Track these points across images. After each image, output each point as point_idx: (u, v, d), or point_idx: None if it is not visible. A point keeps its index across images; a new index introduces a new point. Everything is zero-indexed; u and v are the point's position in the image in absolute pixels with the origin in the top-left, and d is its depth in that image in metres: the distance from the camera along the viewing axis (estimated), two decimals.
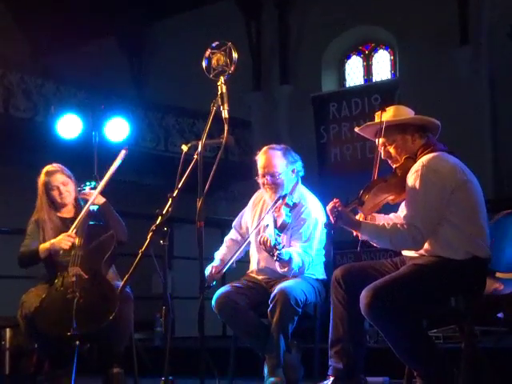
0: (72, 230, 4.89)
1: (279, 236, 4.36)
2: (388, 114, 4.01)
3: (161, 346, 6.31)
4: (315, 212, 4.74)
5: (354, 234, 3.91)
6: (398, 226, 3.81)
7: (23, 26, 15.68)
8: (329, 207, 3.90)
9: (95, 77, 14.59)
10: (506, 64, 12.12)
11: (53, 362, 4.89)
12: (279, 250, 4.34)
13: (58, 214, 5.10)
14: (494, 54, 12.57)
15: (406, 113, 4.03)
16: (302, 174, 4.86)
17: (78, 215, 5.00)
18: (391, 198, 3.98)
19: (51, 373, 4.95)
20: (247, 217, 5.05)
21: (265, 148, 4.86)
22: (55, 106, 8.81)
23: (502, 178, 12.13)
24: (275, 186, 4.76)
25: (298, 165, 4.84)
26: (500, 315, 4.93)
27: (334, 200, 3.88)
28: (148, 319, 7.30)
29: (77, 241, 4.90)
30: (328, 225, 3.92)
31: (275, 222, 4.51)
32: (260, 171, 4.83)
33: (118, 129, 7.23)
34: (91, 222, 5.00)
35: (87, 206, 4.94)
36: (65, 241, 4.87)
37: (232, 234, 5.14)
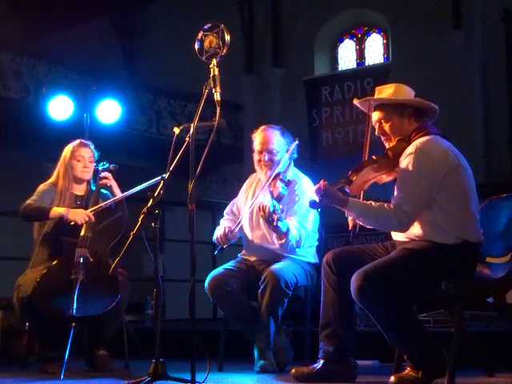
0: (91, 210, 4.87)
1: (276, 205, 4.39)
2: (388, 91, 4.01)
3: (152, 328, 6.31)
4: (309, 189, 4.77)
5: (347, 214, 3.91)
6: (386, 206, 3.82)
7: (15, 7, 15.56)
8: (315, 187, 3.91)
9: (87, 58, 14.51)
10: (499, 49, 12.10)
11: (45, 344, 4.89)
12: (278, 215, 4.36)
13: (72, 188, 5.08)
14: (486, 38, 12.55)
15: (407, 93, 4.03)
16: (295, 156, 4.88)
17: (88, 195, 5.00)
18: (380, 178, 3.98)
19: (42, 354, 4.97)
20: (240, 201, 5.06)
21: (263, 126, 4.92)
22: (46, 87, 8.75)
23: (492, 163, 12.15)
24: (271, 163, 4.79)
25: (294, 146, 4.87)
26: (490, 300, 4.95)
27: (321, 181, 3.89)
28: (139, 301, 7.30)
29: (87, 223, 4.88)
30: (313, 203, 3.93)
31: (271, 193, 4.56)
32: (257, 147, 4.84)
33: (109, 111, 7.21)
34: (106, 205, 4.99)
35: (112, 199, 4.94)
36: (82, 215, 4.84)
37: (225, 219, 5.13)
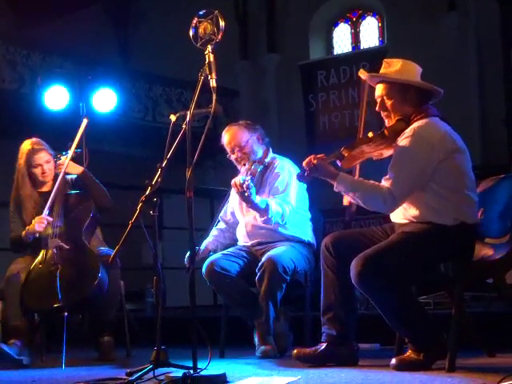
0: (45, 212, 4.86)
1: (248, 178, 4.46)
2: (395, 67, 3.99)
3: (152, 316, 6.32)
4: (288, 166, 4.88)
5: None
6: (375, 184, 3.83)
7: None
8: (305, 161, 3.91)
9: (81, 47, 14.45)
10: (493, 29, 12.07)
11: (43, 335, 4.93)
12: (248, 183, 4.40)
13: (38, 190, 5.08)
14: (481, 19, 12.52)
15: (414, 72, 4.01)
16: (267, 140, 4.98)
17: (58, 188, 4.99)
18: (373, 155, 3.98)
19: (43, 345, 4.98)
20: (231, 202, 5.09)
21: (225, 129, 4.99)
22: (41, 77, 8.72)
23: (488, 144, 12.14)
24: (246, 155, 4.86)
25: (261, 131, 4.96)
26: (489, 281, 4.96)
27: (313, 155, 3.89)
28: (139, 290, 7.32)
29: (54, 213, 4.89)
30: (301, 176, 3.93)
31: (246, 172, 4.64)
32: (228, 148, 4.94)
33: (105, 99, 7.19)
34: (70, 192, 4.99)
35: (59, 179, 4.91)
36: (38, 224, 4.85)
37: (219, 225, 5.19)
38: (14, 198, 5.10)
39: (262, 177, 4.88)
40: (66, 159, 5.00)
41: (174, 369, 3.59)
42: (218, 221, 5.19)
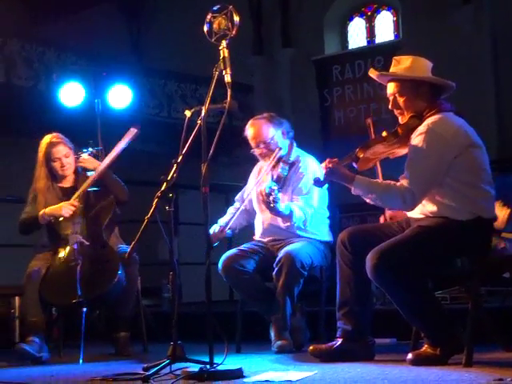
0: (74, 199, 4.89)
1: (274, 187, 4.42)
2: (405, 64, 3.97)
3: (169, 312, 6.33)
4: (312, 167, 4.83)
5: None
6: (392, 184, 3.82)
7: None
8: (322, 165, 3.91)
9: (95, 43, 14.48)
10: (508, 22, 12.02)
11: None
12: (275, 195, 4.38)
13: (59, 185, 5.10)
14: (496, 12, 12.46)
15: (424, 67, 3.99)
16: (292, 134, 4.92)
17: (77, 184, 5.01)
18: (390, 153, 3.97)
19: (60, 340, 5.01)
20: (249, 188, 5.07)
21: (249, 122, 4.96)
22: (57, 74, 8.74)
23: (505, 137, 12.08)
24: (271, 151, 4.82)
25: (286, 126, 4.91)
26: (506, 275, 4.94)
27: (328, 159, 3.89)
28: (155, 285, 7.34)
29: (77, 208, 4.91)
30: (317, 181, 3.94)
31: (272, 176, 4.57)
32: (252, 144, 4.90)
33: (120, 96, 7.20)
34: (90, 189, 5.02)
35: (91, 178, 4.93)
36: (66, 208, 4.87)
37: (235, 205, 5.16)
38: (33, 189, 5.11)
39: (286, 176, 4.84)
40: (89, 156, 5.03)
41: (190, 364, 3.60)
42: (234, 202, 5.17)
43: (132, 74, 11.62)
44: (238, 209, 4.94)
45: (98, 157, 5.13)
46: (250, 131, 4.90)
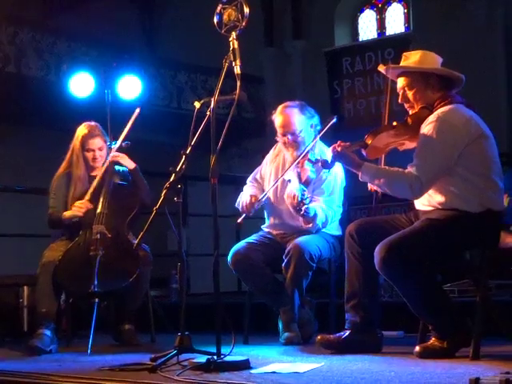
0: (86, 198, 4.90)
1: (305, 191, 4.39)
2: (415, 58, 3.98)
3: (177, 303, 6.36)
4: (335, 167, 4.72)
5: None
6: (400, 171, 3.82)
7: None
8: (331, 148, 3.91)
9: (106, 33, 14.49)
10: None
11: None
12: (306, 204, 4.36)
13: (89, 173, 5.11)
14: (509, 4, 12.40)
15: (433, 61, 4.00)
16: (319, 127, 4.85)
17: (104, 175, 5.02)
18: (399, 144, 3.97)
19: (69, 330, 5.03)
20: (264, 170, 5.03)
21: (280, 107, 4.85)
22: (67, 64, 8.76)
23: None
24: (296, 144, 4.77)
25: (316, 119, 4.85)
26: None
27: (338, 142, 3.89)
28: (164, 276, 7.35)
29: (101, 200, 4.92)
30: (325, 163, 3.94)
31: (299, 177, 4.55)
32: (279, 131, 4.82)
33: (130, 87, 7.20)
34: (118, 182, 5.02)
35: (103, 168, 4.95)
36: (76, 210, 4.88)
37: (248, 186, 5.11)
38: (62, 174, 5.10)
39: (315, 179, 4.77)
40: (114, 148, 5.05)
41: (197, 354, 3.61)
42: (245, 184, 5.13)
43: (142, 64, 11.62)
44: (266, 193, 4.84)
45: (129, 152, 5.14)
46: (279, 118, 4.81)
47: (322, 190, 4.74)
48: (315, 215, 4.59)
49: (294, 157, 4.72)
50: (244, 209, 4.76)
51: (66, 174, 5.08)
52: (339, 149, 3.88)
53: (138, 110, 5.02)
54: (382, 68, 4.11)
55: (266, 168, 5.03)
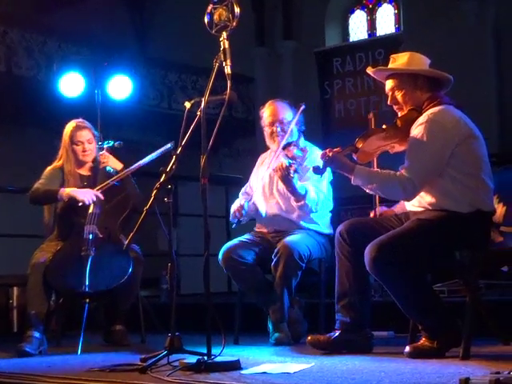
0: (98, 189, 4.88)
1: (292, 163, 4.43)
2: (402, 60, 4.00)
3: (167, 303, 6.33)
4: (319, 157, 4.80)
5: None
6: (392, 174, 3.83)
7: None
8: (321, 153, 3.93)
9: (97, 33, 14.47)
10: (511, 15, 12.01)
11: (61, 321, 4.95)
12: (295, 166, 4.39)
13: (76, 170, 5.09)
14: (499, 4, 12.43)
15: (421, 62, 4.01)
16: (303, 128, 4.94)
17: (95, 174, 5.00)
18: (390, 147, 3.98)
19: (59, 331, 5.02)
20: (252, 179, 5.08)
21: (270, 100, 4.97)
22: (57, 63, 8.73)
23: (506, 131, 12.08)
24: (284, 133, 4.82)
25: (301, 118, 4.90)
26: (504, 269, 4.94)
27: (328, 148, 3.91)
28: (154, 276, 7.34)
29: (96, 200, 4.91)
30: (317, 169, 3.95)
31: (286, 156, 4.58)
32: (269, 119, 4.89)
33: (120, 86, 7.19)
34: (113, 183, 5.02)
35: (119, 175, 4.93)
36: (90, 195, 4.84)
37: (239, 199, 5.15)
38: (56, 167, 5.07)
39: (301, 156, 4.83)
40: (109, 150, 5.04)
41: (188, 355, 3.60)
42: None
43: (133, 64, 11.61)
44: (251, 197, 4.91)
45: (119, 151, 5.13)
46: (269, 108, 4.92)
47: (307, 177, 4.78)
48: (306, 192, 4.63)
49: (280, 145, 4.77)
50: (236, 213, 4.80)
51: (60, 168, 5.06)
52: (330, 154, 3.88)
53: (169, 146, 4.94)
54: (370, 70, 4.12)
55: (254, 177, 5.09)
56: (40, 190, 4.95)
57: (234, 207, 4.91)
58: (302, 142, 4.88)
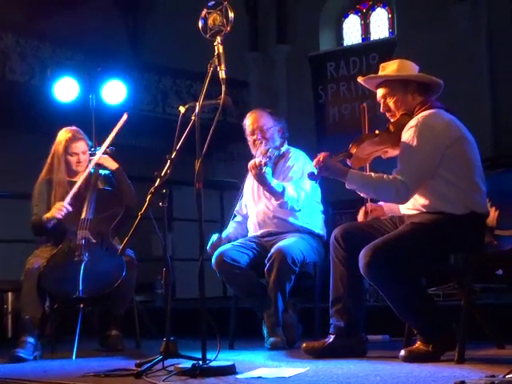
0: (66, 200, 4.86)
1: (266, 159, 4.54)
2: (392, 67, 4.02)
3: (162, 308, 6.33)
4: (302, 157, 4.94)
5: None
6: (385, 177, 3.84)
7: None
8: (315, 160, 3.93)
9: (91, 38, 14.47)
10: (504, 19, 12.04)
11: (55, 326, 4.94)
12: (266, 163, 4.49)
13: (69, 178, 5.08)
14: (492, 9, 12.47)
15: (411, 68, 4.04)
16: (286, 135, 5.02)
17: (88, 179, 5.00)
18: (383, 152, 4.00)
19: (53, 336, 5.00)
20: (245, 193, 5.14)
21: (250, 111, 5.05)
22: (51, 69, 8.72)
23: (500, 135, 12.10)
24: (265, 139, 4.88)
25: (284, 125, 5.02)
26: (499, 272, 4.95)
27: (321, 153, 3.92)
28: (149, 281, 7.33)
29: (86, 205, 4.90)
30: (311, 175, 3.96)
31: (262, 155, 4.67)
32: (249, 129, 4.96)
33: (115, 91, 7.19)
34: (103, 187, 5.01)
35: (87, 170, 4.94)
36: (57, 211, 4.84)
37: (236, 219, 5.21)
38: (43, 180, 5.05)
39: (276, 166, 4.90)
40: (99, 153, 5.03)
41: (183, 360, 3.60)
42: (235, 215, 5.20)
43: (127, 69, 11.60)
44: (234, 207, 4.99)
45: (112, 156, 5.12)
46: (249, 118, 4.98)
47: (290, 177, 4.85)
48: (284, 190, 4.67)
49: (262, 151, 4.80)
50: (209, 250, 4.88)
51: (47, 179, 5.04)
52: (322, 159, 3.89)
53: (125, 116, 5.01)
54: (361, 79, 4.14)
55: (245, 189, 5.14)
56: (34, 224, 4.95)
57: (212, 239, 4.96)
58: (285, 148, 4.95)
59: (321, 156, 3.91)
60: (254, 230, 4.98)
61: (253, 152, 4.95)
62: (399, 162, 3.86)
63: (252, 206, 5.01)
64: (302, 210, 4.81)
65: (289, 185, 4.73)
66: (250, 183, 5.03)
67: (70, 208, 4.85)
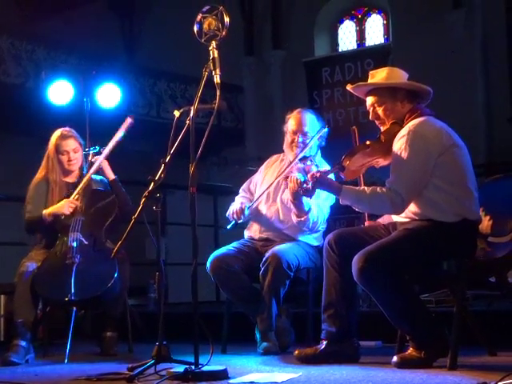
0: (74, 196, 4.87)
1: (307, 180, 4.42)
2: (381, 75, 4.02)
3: (155, 312, 6.32)
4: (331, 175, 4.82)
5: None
6: (378, 189, 3.84)
7: None
8: (309, 175, 3.93)
9: (86, 41, 14.46)
10: (499, 26, 12.07)
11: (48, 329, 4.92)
12: (309, 186, 4.36)
13: (63, 178, 5.07)
14: (486, 16, 12.51)
15: (400, 76, 4.04)
16: (323, 143, 4.93)
17: (80, 181, 4.99)
18: (375, 162, 4.00)
19: (46, 339, 4.99)
20: (256, 179, 5.06)
21: (299, 109, 4.96)
22: (46, 71, 8.73)
23: (494, 142, 12.13)
24: (304, 146, 4.82)
25: (325, 132, 4.89)
26: (492, 279, 4.96)
27: (315, 170, 3.93)
28: (142, 285, 7.33)
29: (78, 206, 4.90)
30: (305, 190, 3.96)
31: (304, 170, 4.56)
32: (293, 128, 4.87)
33: (109, 95, 7.20)
34: (96, 188, 5.00)
35: (90, 172, 4.94)
36: (67, 206, 4.84)
37: (241, 194, 5.14)
38: (39, 180, 5.04)
39: None
40: (97, 155, 5.02)
41: (175, 364, 3.60)
42: (239, 193, 5.15)
43: (122, 72, 11.61)
44: (257, 199, 4.89)
45: (107, 159, 5.11)
46: (297, 116, 4.89)
47: (317, 194, 4.77)
48: (310, 209, 4.62)
49: (296, 155, 4.77)
50: (234, 215, 4.78)
51: (44, 180, 5.04)
52: (318, 175, 3.90)
53: (129, 120, 5.01)
54: (349, 87, 4.14)
55: (259, 176, 5.06)
56: (27, 221, 4.95)
57: (233, 207, 4.87)
58: (318, 158, 4.89)
59: (315, 171, 3.92)
60: (253, 231, 4.96)
61: (285, 149, 4.92)
62: (392, 172, 3.86)
63: (262, 205, 4.94)
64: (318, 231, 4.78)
65: (314, 206, 4.68)
66: (271, 179, 4.93)
67: (78, 203, 4.86)
